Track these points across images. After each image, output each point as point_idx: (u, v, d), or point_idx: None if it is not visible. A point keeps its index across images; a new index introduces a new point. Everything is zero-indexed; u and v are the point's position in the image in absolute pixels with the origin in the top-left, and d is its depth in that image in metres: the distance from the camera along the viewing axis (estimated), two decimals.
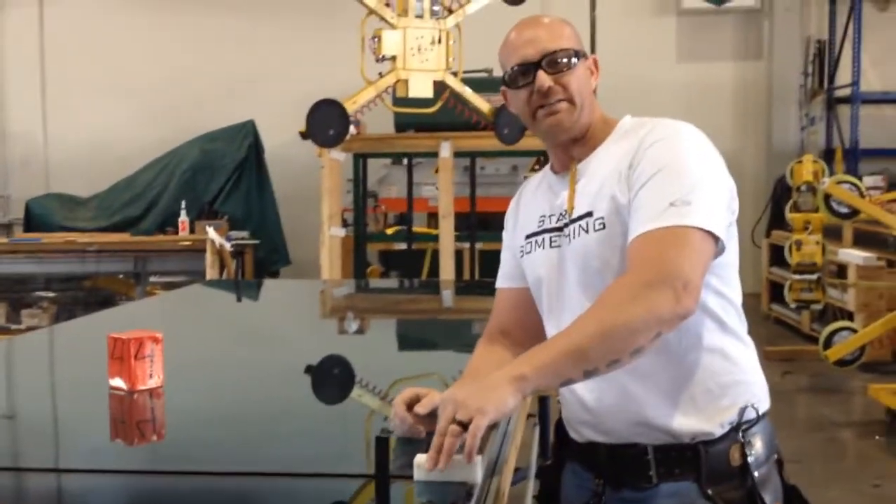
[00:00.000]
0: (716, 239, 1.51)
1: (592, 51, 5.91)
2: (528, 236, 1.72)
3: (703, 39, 10.24)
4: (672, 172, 1.52)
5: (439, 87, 5.69)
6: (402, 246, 7.85)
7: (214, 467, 1.53)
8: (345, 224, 7.84)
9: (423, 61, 5.55)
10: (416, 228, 7.91)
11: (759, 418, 1.62)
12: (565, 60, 1.63)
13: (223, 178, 9.22)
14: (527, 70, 1.63)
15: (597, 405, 1.62)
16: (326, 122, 5.34)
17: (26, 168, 10.47)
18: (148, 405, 1.83)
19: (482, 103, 5.87)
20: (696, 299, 1.45)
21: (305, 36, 10.06)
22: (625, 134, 1.65)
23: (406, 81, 5.54)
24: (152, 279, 7.45)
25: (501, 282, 1.83)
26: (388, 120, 8.19)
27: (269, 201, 9.44)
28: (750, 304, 8.70)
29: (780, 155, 9.54)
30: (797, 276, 6.24)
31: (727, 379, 1.60)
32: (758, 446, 1.61)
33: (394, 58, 5.49)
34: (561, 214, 1.66)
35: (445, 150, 6.92)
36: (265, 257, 9.18)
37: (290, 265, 9.50)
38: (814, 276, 6.17)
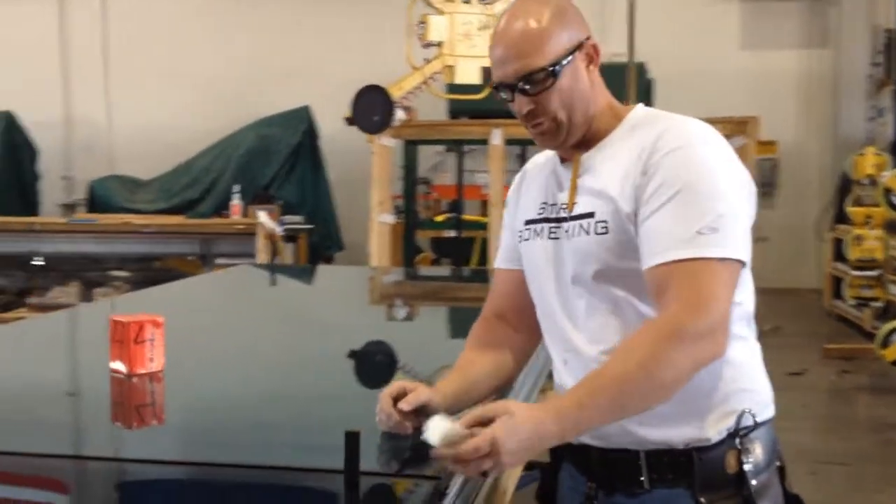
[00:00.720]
0: (742, 263, 1.46)
1: (631, 35, 5.73)
2: (527, 222, 1.63)
3: (768, 26, 9.97)
4: (693, 193, 1.43)
5: (487, 73, 5.63)
6: (452, 233, 7.81)
7: (184, 456, 1.51)
8: (397, 211, 7.84)
9: (470, 47, 5.50)
10: (467, 216, 7.87)
11: (758, 425, 1.53)
12: (543, 78, 1.48)
13: (278, 164, 9.29)
14: (505, 90, 1.52)
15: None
16: (371, 109, 5.33)
17: (90, 151, 10.68)
18: (145, 389, 1.82)
19: None
20: (728, 339, 1.43)
21: (362, 21, 10.06)
22: (633, 129, 1.54)
23: (453, 67, 5.50)
24: (217, 261, 7.54)
25: (500, 262, 1.75)
26: (443, 107, 8.15)
27: (324, 187, 9.48)
28: (812, 300, 8.58)
29: (845, 147, 9.24)
30: (856, 273, 6.04)
31: (731, 387, 1.52)
32: (757, 453, 1.53)
33: (440, 43, 5.44)
34: (562, 207, 1.57)
35: (496, 138, 6.86)
36: (319, 242, 9.22)
37: (343, 251, 9.54)
38: (874, 273, 5.95)
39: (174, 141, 10.14)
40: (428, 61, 5.56)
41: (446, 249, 8.86)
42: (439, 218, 8.47)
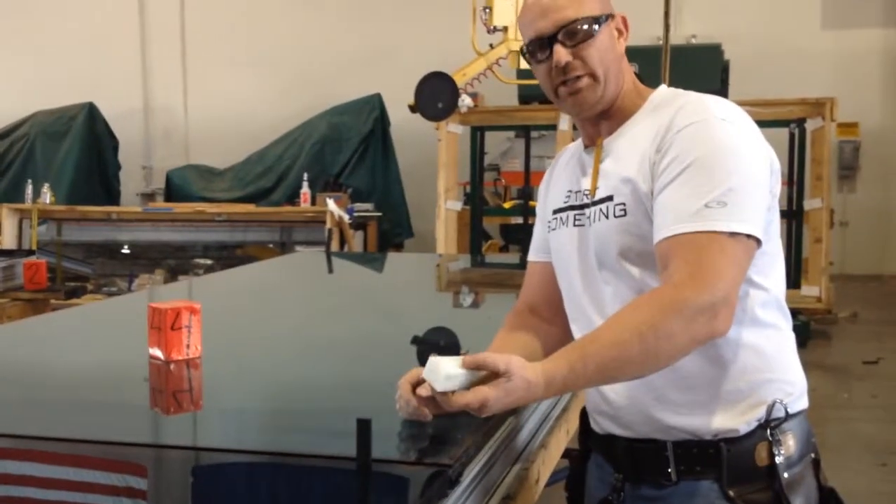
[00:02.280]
0: (756, 240, 1.40)
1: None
2: (554, 211, 1.63)
3: (851, 4, 9.64)
4: (704, 167, 1.40)
5: None
6: (520, 220, 7.77)
7: (208, 442, 1.53)
8: (465, 198, 7.85)
9: None
10: (535, 203, 7.82)
11: (789, 416, 1.48)
12: (584, 29, 1.49)
13: (349, 152, 9.39)
14: (543, 44, 1.50)
15: (616, 397, 1.53)
16: (435, 95, 5.34)
17: (168, 140, 10.96)
18: (183, 376, 1.86)
19: None
20: (732, 317, 1.38)
21: (429, 9, 10.06)
22: (655, 109, 1.52)
23: (518, 52, 5.45)
24: (297, 248, 7.68)
25: (532, 254, 1.73)
26: (514, 92, 8.11)
27: (394, 174, 9.55)
28: (893, 287, 8.25)
29: None
30: None
31: (759, 377, 1.48)
32: (789, 445, 1.48)
33: (505, 28, 5.41)
34: (585, 194, 1.56)
35: (564, 124, 6.80)
36: (389, 230, 9.30)
37: (413, 237, 9.60)
38: None
39: (248, 130, 10.33)
40: (493, 47, 5.53)
41: (514, 236, 8.83)
42: (507, 204, 8.44)
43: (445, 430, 1.46)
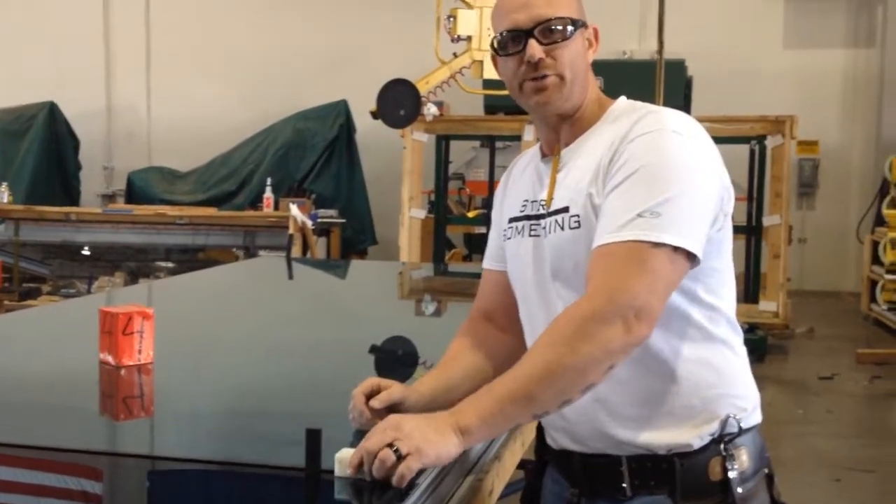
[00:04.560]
0: (689, 255, 1.37)
1: (660, 30, 5.68)
2: (511, 220, 1.60)
3: (813, 25, 9.79)
4: (647, 177, 1.38)
5: None
6: (484, 230, 7.78)
7: (155, 451, 1.51)
8: (430, 206, 7.84)
9: None
10: None
11: (743, 431, 1.48)
12: (560, 29, 1.48)
13: (314, 157, 9.35)
14: (517, 37, 1.48)
15: (570, 412, 1.48)
16: (398, 103, 5.30)
17: (130, 141, 10.83)
18: (134, 381, 1.83)
19: None
20: (651, 326, 1.34)
21: (398, 16, 10.06)
22: (615, 120, 1.51)
23: (481, 62, 5.45)
24: (261, 253, 7.62)
25: (488, 262, 1.71)
26: (479, 102, 8.12)
27: (358, 181, 9.52)
28: (851, 304, 8.43)
29: (889, 148, 9.04)
30: (890, 276, 5.91)
31: (712, 393, 1.47)
32: (742, 460, 1.47)
33: (469, 38, 5.41)
34: (541, 204, 1.54)
35: (529, 134, 6.82)
36: (352, 236, 9.27)
37: (376, 245, 9.57)
38: None
39: (212, 133, 10.25)
40: (457, 56, 5.53)
41: (478, 245, 8.83)
42: (471, 214, 8.45)
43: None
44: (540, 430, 1.67)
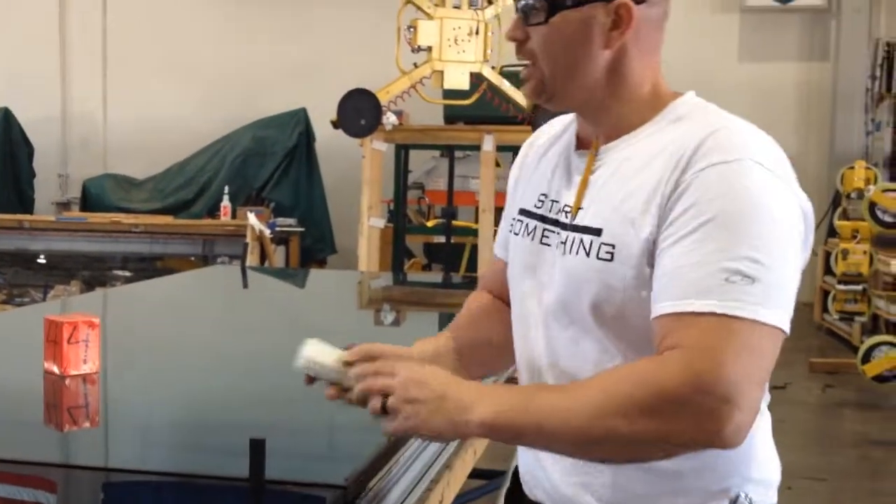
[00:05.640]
0: (783, 333, 1.10)
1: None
2: (521, 211, 1.33)
3: (767, 39, 9.95)
4: (729, 227, 1.08)
5: (476, 79, 5.62)
6: (443, 239, 7.79)
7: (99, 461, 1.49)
8: (389, 215, 7.83)
9: (459, 52, 5.48)
10: (459, 222, 7.84)
11: None
12: (536, 9, 1.20)
13: (273, 165, 9.30)
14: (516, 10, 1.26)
15: (557, 474, 1.26)
16: (358, 112, 5.31)
17: (85, 148, 10.69)
18: (80, 391, 1.80)
19: (521, 97, 5.77)
20: (747, 426, 1.06)
21: (359, 25, 10.05)
22: (676, 122, 1.20)
23: (441, 73, 5.48)
24: (219, 261, 7.55)
25: (496, 248, 1.46)
26: (439, 111, 8.12)
27: (318, 190, 9.48)
28: (803, 314, 8.49)
29: (842, 160, 9.20)
30: (842, 286, 6.01)
31: (725, 459, 1.19)
32: None
33: (430, 48, 5.43)
34: (565, 210, 1.25)
35: (488, 144, 6.83)
36: (312, 245, 9.22)
37: (336, 254, 9.53)
38: (859, 287, 5.92)
39: (170, 140, 10.14)
40: (417, 66, 5.55)
41: (437, 255, 8.84)
42: (431, 223, 8.46)
43: (344, 449, 1.44)
44: (514, 476, 1.42)
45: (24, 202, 9.77)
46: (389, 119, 6.64)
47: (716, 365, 1.04)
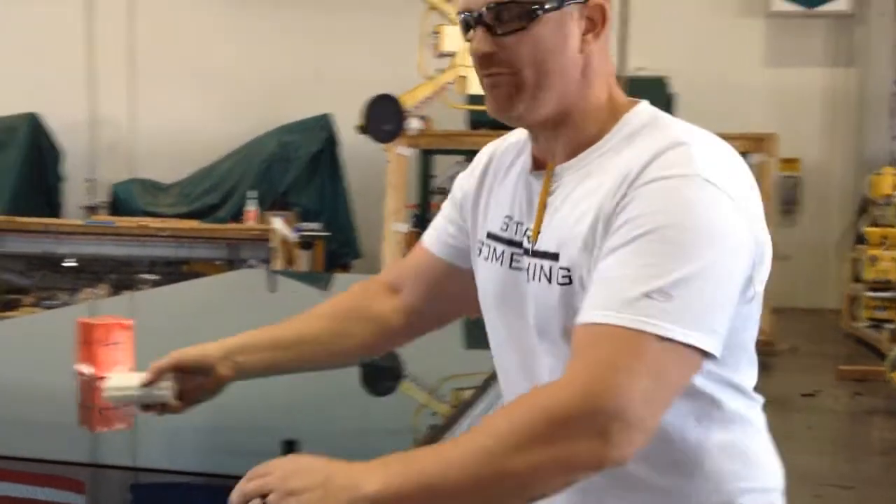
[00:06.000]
0: (703, 352, 1.06)
1: (622, 45, 5.73)
2: (489, 235, 1.28)
3: (793, 44, 9.90)
4: (661, 243, 1.05)
5: None
6: None
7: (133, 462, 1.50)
8: (414, 220, 7.85)
9: None
10: None
11: None
12: (516, 15, 1.12)
13: (298, 170, 9.35)
14: (468, 22, 1.16)
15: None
16: (383, 118, 5.34)
17: (113, 153, 10.79)
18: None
19: None
20: (637, 446, 1.02)
21: (383, 32, 10.09)
22: (630, 138, 1.16)
23: (465, 78, 5.50)
24: (243, 266, 7.60)
25: (430, 241, 1.42)
26: (463, 117, 8.15)
27: (342, 194, 9.52)
28: (832, 321, 8.48)
29: (869, 166, 9.14)
30: (871, 293, 5.96)
31: (733, 487, 1.20)
32: None
33: (454, 54, 5.44)
34: (527, 234, 1.22)
35: None
36: (336, 250, 9.25)
37: (360, 258, 9.56)
38: (888, 294, 5.87)
39: (196, 145, 10.23)
40: (441, 72, 5.57)
41: None
42: None
43: (375, 452, 1.44)
44: None
45: (53, 207, 9.88)
46: (413, 125, 6.68)
47: (608, 383, 1.00)
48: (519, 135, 1.30)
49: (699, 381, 1.13)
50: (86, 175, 10.78)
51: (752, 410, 1.24)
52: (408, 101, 5.41)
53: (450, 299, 1.43)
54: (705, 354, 1.06)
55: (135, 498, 1.45)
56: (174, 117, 10.60)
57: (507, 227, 1.25)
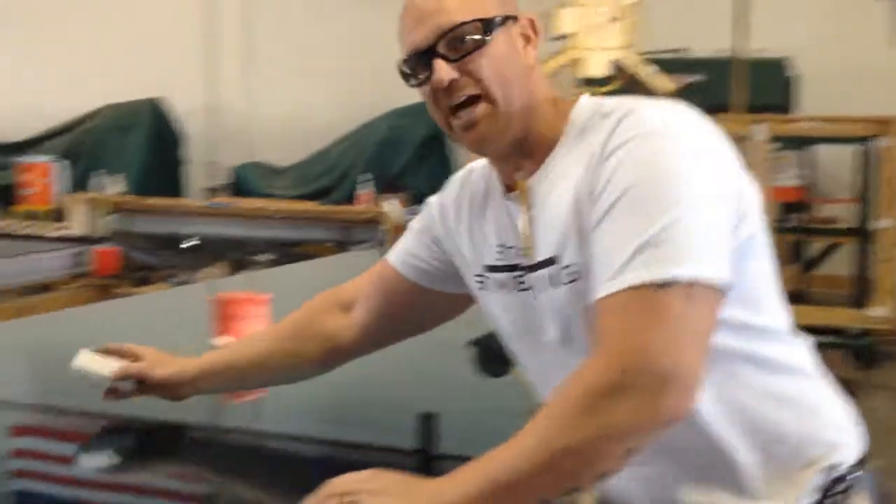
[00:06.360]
0: (714, 286, 1.06)
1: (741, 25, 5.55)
2: (489, 268, 1.29)
3: None
4: (636, 201, 1.07)
5: (617, 67, 5.56)
6: None
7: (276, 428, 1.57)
8: None
9: (600, 40, 5.44)
10: None
11: (851, 473, 1.17)
12: (471, 35, 1.16)
13: (409, 154, 9.45)
14: (423, 59, 1.19)
15: (625, 496, 1.20)
16: None
17: (234, 137, 11.13)
18: None
19: (665, 84, 5.68)
20: (691, 392, 1.02)
21: None
22: (583, 132, 1.18)
23: (581, 60, 5.45)
24: (353, 248, 7.76)
25: (396, 259, 1.43)
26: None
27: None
28: None
29: None
30: None
31: (788, 429, 1.16)
32: None
33: (569, 36, 5.41)
34: (520, 253, 1.23)
35: None
36: None
37: None
38: None
39: (311, 129, 10.45)
40: (555, 55, 5.54)
41: None
42: None
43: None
44: None
45: (177, 188, 10.27)
46: None
47: (632, 345, 1.02)
48: (478, 164, 1.33)
49: (721, 338, 1.10)
50: (206, 158, 11.17)
51: (794, 356, 1.21)
52: None
53: (410, 317, 1.46)
54: (717, 287, 1.06)
55: (275, 463, 1.51)
56: (289, 102, 10.85)
57: (503, 254, 1.26)
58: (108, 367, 1.43)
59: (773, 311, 1.20)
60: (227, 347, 1.52)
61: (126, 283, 4.72)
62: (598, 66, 5.51)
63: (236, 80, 11.13)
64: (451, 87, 1.17)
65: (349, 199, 9.11)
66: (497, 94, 1.17)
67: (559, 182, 1.18)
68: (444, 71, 1.17)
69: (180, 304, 2.88)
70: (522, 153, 1.21)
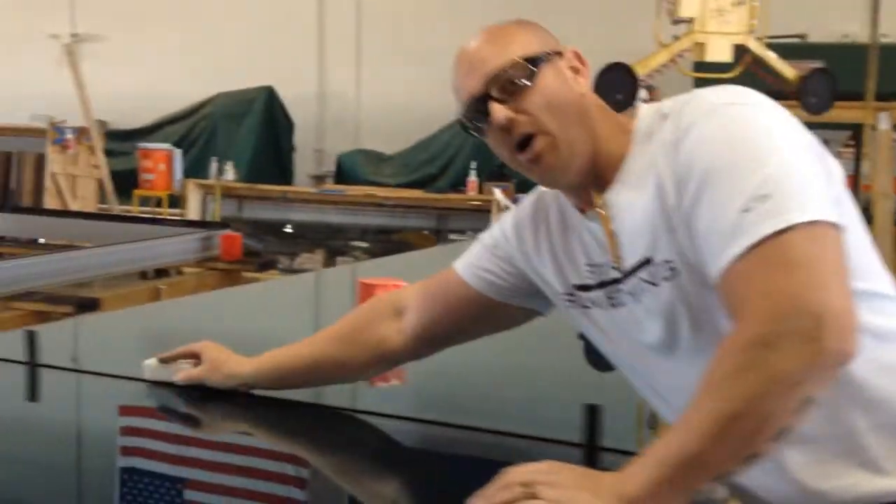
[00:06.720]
0: (831, 223, 1.05)
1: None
2: (579, 287, 1.29)
3: None
4: (726, 168, 1.07)
5: (739, 51, 5.39)
6: None
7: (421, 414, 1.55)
8: None
9: (723, 23, 5.28)
10: None
11: None
12: (517, 75, 1.20)
13: None
14: (480, 107, 1.22)
15: (749, 485, 1.16)
16: (614, 87, 5.23)
17: (340, 125, 11.27)
18: None
19: (787, 70, 5.49)
20: (848, 330, 1.00)
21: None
22: (647, 135, 1.20)
23: (703, 45, 5.30)
24: (451, 236, 7.78)
25: (465, 271, 1.43)
26: (688, 85, 7.89)
27: None
28: None
29: None
30: None
31: None
32: None
33: (691, 20, 5.26)
34: (611, 266, 1.24)
35: (885, 123, 6.49)
36: None
37: None
38: None
39: (416, 117, 10.48)
40: (676, 38, 5.40)
41: None
42: None
43: None
44: None
45: (285, 175, 10.46)
46: (641, 95, 6.52)
47: (778, 291, 1.00)
48: (552, 199, 1.34)
49: None
50: (314, 145, 11.34)
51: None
52: (642, 69, 5.28)
53: (467, 327, 1.47)
54: (836, 226, 1.05)
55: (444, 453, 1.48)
56: (395, 91, 10.92)
57: (594, 272, 1.27)
58: (173, 373, 1.55)
59: (877, 277, 1.16)
60: (281, 350, 1.55)
61: (249, 268, 4.82)
62: (719, 51, 5.35)
63: (345, 68, 11.26)
64: (510, 126, 1.20)
65: (453, 186, 9.11)
66: (551, 125, 1.20)
67: (637, 186, 1.18)
68: (499, 111, 1.20)
69: (322, 287, 2.91)
70: (596, 179, 1.23)
